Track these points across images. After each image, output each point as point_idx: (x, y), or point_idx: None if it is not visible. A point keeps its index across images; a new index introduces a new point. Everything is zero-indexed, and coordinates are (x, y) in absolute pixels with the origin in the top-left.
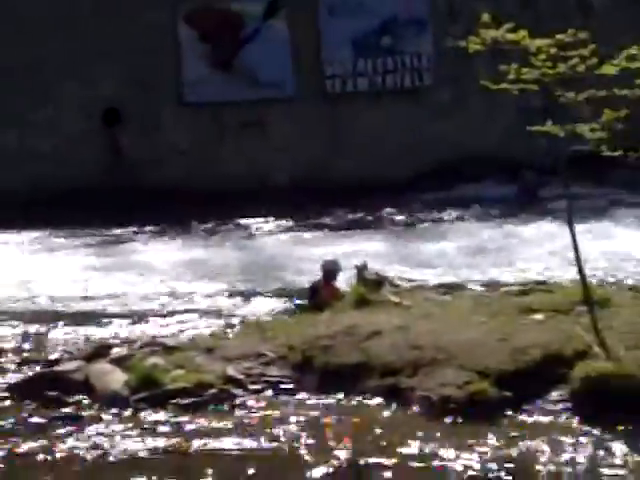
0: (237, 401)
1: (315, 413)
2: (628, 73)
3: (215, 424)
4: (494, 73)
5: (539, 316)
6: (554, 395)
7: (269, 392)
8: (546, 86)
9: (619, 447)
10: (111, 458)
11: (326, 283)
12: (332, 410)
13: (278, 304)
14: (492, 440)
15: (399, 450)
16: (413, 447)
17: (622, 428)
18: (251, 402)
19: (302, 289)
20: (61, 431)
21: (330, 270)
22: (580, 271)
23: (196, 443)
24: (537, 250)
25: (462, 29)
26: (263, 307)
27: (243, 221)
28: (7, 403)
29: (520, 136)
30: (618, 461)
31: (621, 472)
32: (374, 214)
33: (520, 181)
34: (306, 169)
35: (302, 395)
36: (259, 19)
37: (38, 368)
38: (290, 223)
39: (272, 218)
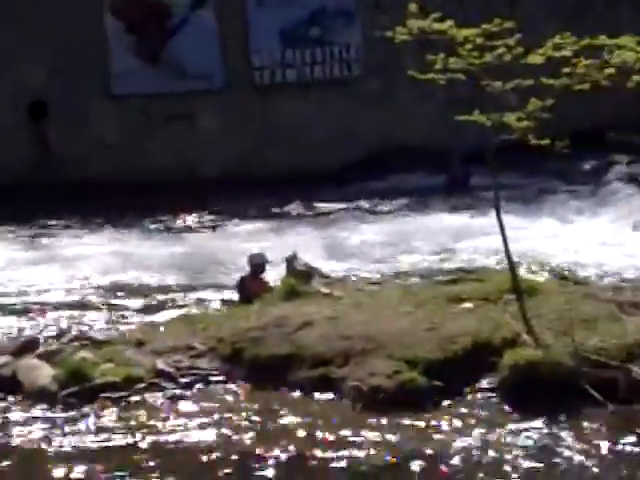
0: (168, 394)
1: (248, 405)
2: (555, 62)
3: (147, 417)
4: (422, 63)
5: (468, 305)
6: (484, 383)
7: (199, 385)
8: (473, 76)
9: (547, 434)
10: (42, 453)
11: (254, 276)
12: (264, 401)
13: (208, 297)
14: (421, 428)
15: (330, 440)
16: (343, 436)
17: (550, 415)
18: (182, 395)
19: (232, 283)
20: None
21: (257, 263)
22: (508, 260)
23: (129, 437)
24: (467, 239)
25: (389, 20)
26: (193, 300)
27: (172, 214)
28: None
29: (449, 126)
30: (543, 449)
31: (550, 459)
32: (304, 205)
33: (448, 171)
34: (236, 161)
35: (233, 387)
36: (187, 9)
37: None
38: (220, 216)
39: (202, 211)
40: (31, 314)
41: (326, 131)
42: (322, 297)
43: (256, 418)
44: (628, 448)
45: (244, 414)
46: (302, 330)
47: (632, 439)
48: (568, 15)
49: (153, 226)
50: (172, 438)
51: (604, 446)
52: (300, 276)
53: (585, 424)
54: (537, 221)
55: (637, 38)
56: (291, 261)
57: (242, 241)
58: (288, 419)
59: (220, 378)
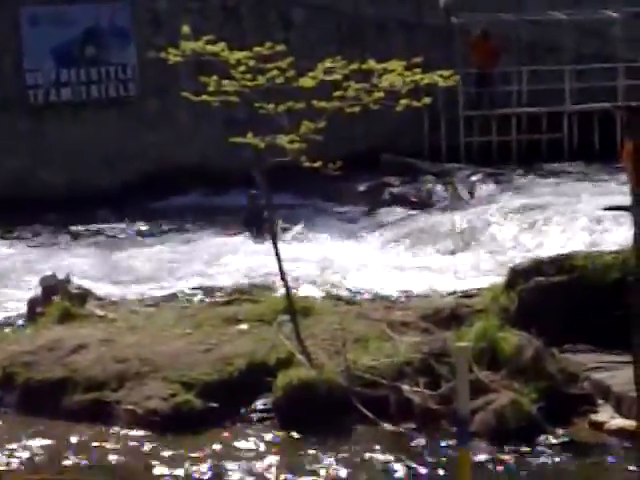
0: None
1: (17, 432)
2: (329, 85)
3: None
4: (199, 85)
5: (244, 326)
6: (259, 404)
7: None
8: (248, 98)
9: (319, 454)
10: None
11: (46, 299)
12: (35, 427)
13: None
14: (196, 453)
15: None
16: (117, 462)
17: (324, 434)
18: None
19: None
20: None
21: (49, 286)
22: (283, 280)
23: None
24: (243, 261)
25: (165, 40)
26: None
27: None
28: None
29: (226, 148)
30: (317, 468)
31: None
32: (81, 226)
33: (249, 200)
34: (11, 181)
35: (6, 413)
36: None
37: None
38: None
39: None
40: None
41: (103, 151)
42: (97, 319)
43: (27, 444)
44: (397, 466)
45: (12, 442)
46: (76, 353)
47: (401, 457)
48: (342, 40)
49: None
50: None
51: (375, 464)
52: (74, 298)
53: (357, 442)
54: (312, 241)
55: (404, 63)
56: (65, 283)
57: (20, 262)
58: (58, 445)
59: None
